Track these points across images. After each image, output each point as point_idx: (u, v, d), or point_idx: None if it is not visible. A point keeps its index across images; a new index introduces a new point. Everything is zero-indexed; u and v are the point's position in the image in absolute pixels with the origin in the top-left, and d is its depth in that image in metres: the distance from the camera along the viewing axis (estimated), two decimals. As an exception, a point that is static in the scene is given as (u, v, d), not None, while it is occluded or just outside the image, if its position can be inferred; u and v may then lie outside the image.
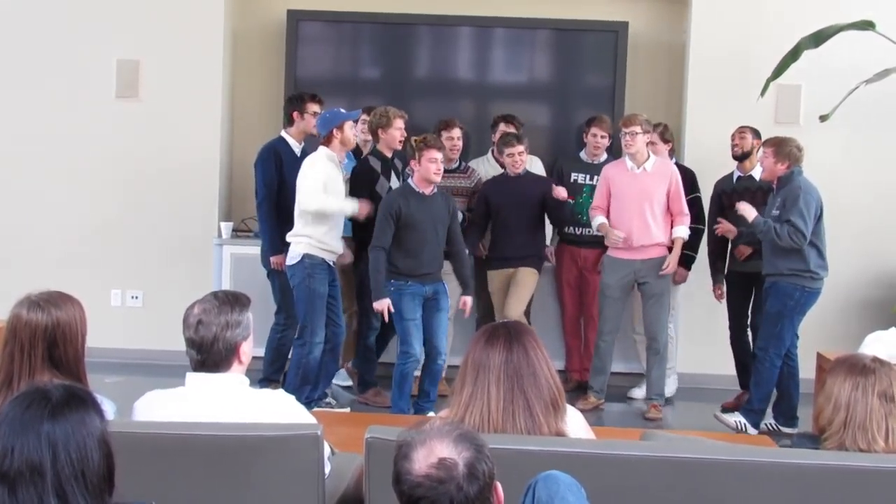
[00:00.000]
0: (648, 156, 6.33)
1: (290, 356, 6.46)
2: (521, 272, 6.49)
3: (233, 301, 3.07)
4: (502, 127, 6.82)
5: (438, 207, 5.91)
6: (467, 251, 6.24)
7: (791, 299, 5.84)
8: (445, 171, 6.62)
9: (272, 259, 6.24)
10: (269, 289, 6.44)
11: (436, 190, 5.92)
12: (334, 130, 5.86)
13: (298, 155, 6.31)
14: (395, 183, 6.31)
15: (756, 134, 6.49)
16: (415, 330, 5.86)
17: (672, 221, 6.35)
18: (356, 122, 6.19)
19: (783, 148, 5.85)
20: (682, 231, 6.33)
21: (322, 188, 5.78)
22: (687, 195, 6.50)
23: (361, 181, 6.15)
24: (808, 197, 5.75)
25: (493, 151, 6.91)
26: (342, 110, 6.00)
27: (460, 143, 6.68)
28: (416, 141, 5.88)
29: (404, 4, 7.45)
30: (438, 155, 5.81)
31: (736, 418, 5.98)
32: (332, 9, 7.47)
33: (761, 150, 6.09)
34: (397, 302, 5.87)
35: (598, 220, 6.40)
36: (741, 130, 6.52)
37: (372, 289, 5.85)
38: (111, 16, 7.38)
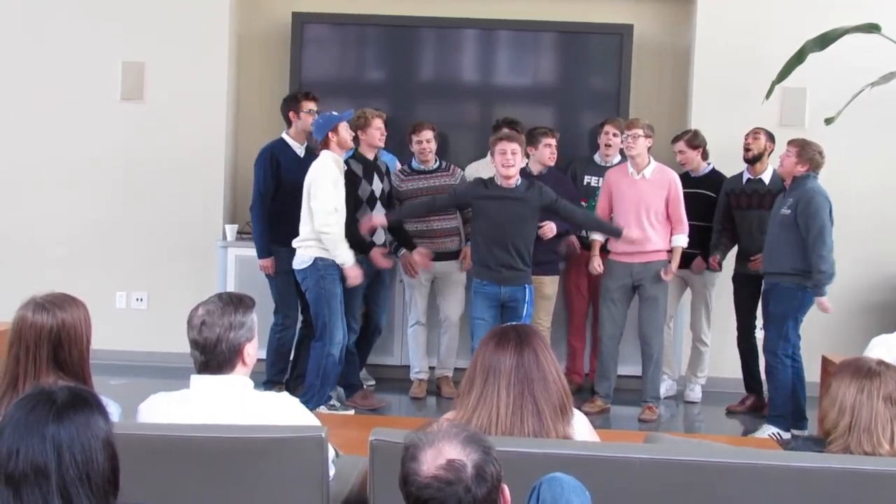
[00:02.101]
0: (649, 161, 6.32)
1: (291, 357, 6.52)
2: (545, 284, 6.45)
3: (237, 302, 3.07)
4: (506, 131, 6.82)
5: (520, 201, 5.82)
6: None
7: (795, 299, 5.84)
8: (426, 171, 6.66)
9: (260, 263, 6.30)
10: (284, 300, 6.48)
11: (520, 182, 5.85)
12: (329, 134, 5.88)
13: (301, 155, 6.35)
14: (378, 185, 6.34)
15: (771, 137, 6.47)
16: (480, 329, 5.78)
17: (672, 229, 6.34)
18: (350, 122, 6.16)
19: (807, 151, 5.87)
20: (681, 240, 6.32)
21: (334, 209, 5.81)
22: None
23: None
24: (823, 203, 5.78)
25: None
26: (334, 113, 6.00)
27: (431, 145, 6.66)
28: (491, 139, 6.00)
29: (409, 7, 7.45)
30: (509, 146, 5.75)
31: (769, 431, 5.93)
32: (336, 11, 7.48)
33: (785, 147, 6.06)
34: (472, 299, 6.02)
35: (594, 234, 6.46)
36: (755, 132, 6.49)
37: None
38: (116, 18, 7.39)
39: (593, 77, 7.67)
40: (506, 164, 5.75)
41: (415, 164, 6.74)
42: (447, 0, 7.46)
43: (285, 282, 6.33)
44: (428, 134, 6.66)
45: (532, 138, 6.56)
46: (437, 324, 6.83)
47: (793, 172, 5.88)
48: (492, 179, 5.94)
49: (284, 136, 6.44)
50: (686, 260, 6.59)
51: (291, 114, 6.42)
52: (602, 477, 2.67)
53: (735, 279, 6.61)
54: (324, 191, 5.80)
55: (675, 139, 6.77)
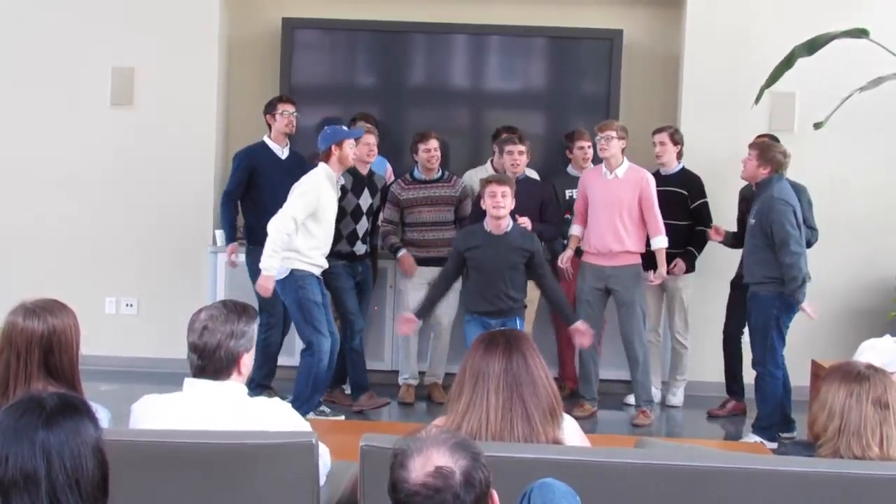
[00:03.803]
0: (622, 162, 6.35)
1: (278, 358, 6.59)
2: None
3: (240, 311, 3.09)
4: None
5: (509, 250, 5.70)
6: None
7: (773, 308, 5.81)
8: (427, 181, 6.68)
9: (227, 248, 6.54)
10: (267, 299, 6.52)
11: (511, 228, 5.71)
12: (333, 147, 5.87)
13: (283, 157, 6.49)
14: (366, 199, 6.37)
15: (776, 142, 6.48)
16: None
17: (648, 232, 6.36)
18: (357, 140, 6.16)
19: (768, 152, 5.84)
20: (660, 241, 6.31)
21: (297, 216, 5.71)
22: (695, 201, 6.59)
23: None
24: (784, 209, 5.71)
25: (492, 161, 6.90)
26: (344, 128, 6.02)
27: (438, 154, 6.69)
28: (482, 181, 5.89)
29: (399, 12, 7.45)
30: (499, 189, 5.59)
31: (752, 439, 5.93)
32: (327, 16, 7.48)
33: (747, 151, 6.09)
34: (465, 328, 5.99)
35: (572, 229, 6.50)
36: (761, 138, 6.52)
37: None
38: (106, 23, 7.38)
39: (583, 82, 7.68)
40: (496, 205, 5.60)
41: (417, 173, 6.74)
42: (437, 5, 7.47)
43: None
44: (434, 143, 6.68)
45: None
46: (428, 329, 6.84)
47: (756, 176, 5.86)
48: (482, 227, 5.78)
49: (265, 139, 6.57)
50: (668, 261, 6.61)
51: (268, 117, 6.56)
52: (593, 482, 2.68)
53: (734, 282, 6.60)
54: (295, 199, 5.77)
55: (658, 130, 6.75)
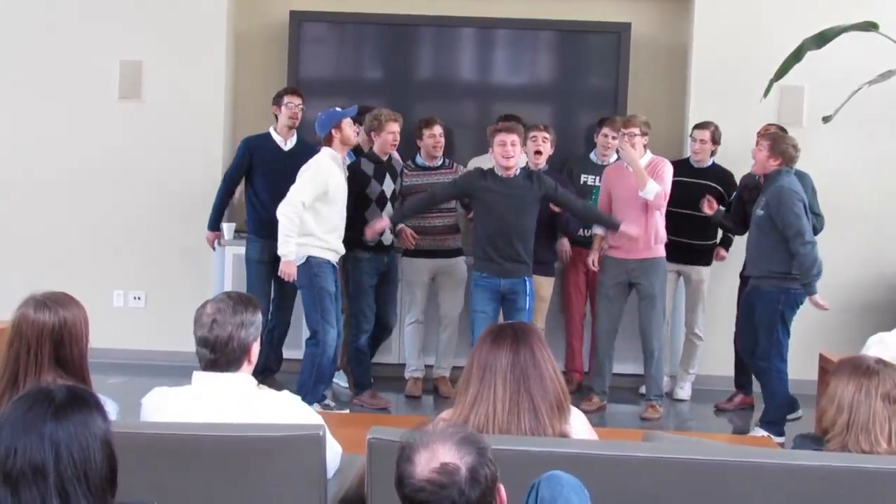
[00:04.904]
0: (644, 153, 6.31)
1: (270, 351, 6.58)
2: (542, 285, 6.41)
3: (246, 302, 3.12)
4: None
5: (519, 191, 5.85)
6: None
7: (778, 303, 5.78)
8: (430, 168, 6.66)
9: (207, 235, 6.75)
10: (271, 291, 6.62)
11: (519, 173, 5.90)
12: (333, 130, 5.87)
13: (287, 149, 6.55)
14: (389, 186, 6.32)
15: (783, 132, 6.46)
16: (481, 322, 5.80)
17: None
18: (354, 119, 6.15)
19: (779, 144, 5.80)
20: (651, 183, 6.14)
21: (305, 200, 5.74)
22: (729, 197, 6.68)
23: (351, 184, 6.09)
24: (793, 199, 5.69)
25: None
26: (338, 109, 5.98)
27: (443, 140, 6.67)
28: (489, 129, 6.04)
29: (407, 5, 7.45)
30: (508, 137, 5.82)
31: (759, 433, 5.92)
32: (334, 10, 7.47)
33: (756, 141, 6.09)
34: (473, 292, 6.07)
35: (595, 228, 6.49)
36: (766, 129, 6.50)
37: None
38: (114, 17, 7.38)
39: (591, 75, 7.66)
40: (505, 155, 5.82)
41: (420, 160, 6.71)
42: (445, -2, 7.47)
43: (257, 271, 6.55)
44: (439, 128, 6.64)
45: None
46: (436, 322, 6.83)
47: (765, 167, 5.83)
48: (491, 170, 5.96)
49: (270, 130, 6.63)
50: (691, 253, 6.60)
51: (275, 108, 6.64)
52: (601, 475, 2.67)
53: (743, 275, 6.58)
54: (302, 182, 5.79)
55: (700, 127, 6.76)
